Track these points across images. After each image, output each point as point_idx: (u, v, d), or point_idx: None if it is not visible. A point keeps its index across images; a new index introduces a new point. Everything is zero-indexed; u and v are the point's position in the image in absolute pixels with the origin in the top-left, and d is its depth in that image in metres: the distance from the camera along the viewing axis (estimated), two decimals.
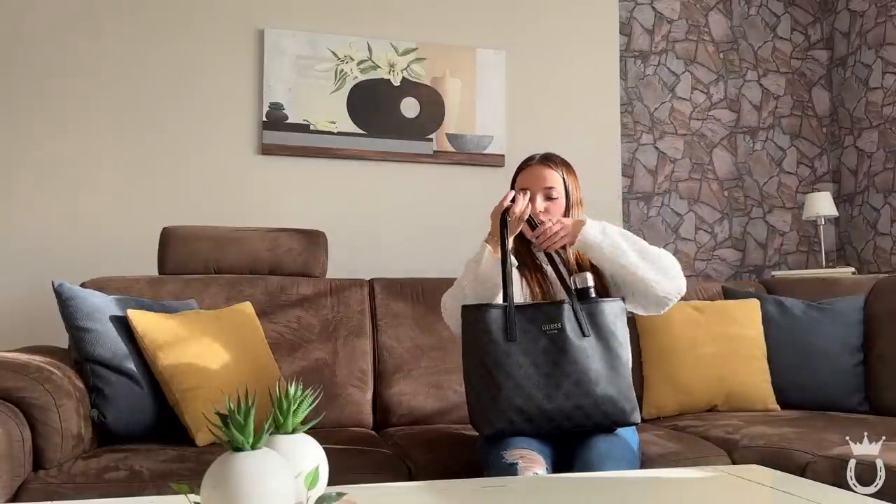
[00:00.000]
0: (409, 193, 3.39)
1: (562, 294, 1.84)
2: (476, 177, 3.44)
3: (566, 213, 1.92)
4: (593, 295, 1.74)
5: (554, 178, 1.92)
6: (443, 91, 3.44)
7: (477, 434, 1.77)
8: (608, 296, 1.83)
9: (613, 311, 1.74)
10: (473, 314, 1.73)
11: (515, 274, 1.88)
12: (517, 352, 1.67)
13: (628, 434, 1.77)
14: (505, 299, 1.71)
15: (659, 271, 1.80)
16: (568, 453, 1.68)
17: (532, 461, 1.59)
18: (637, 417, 1.72)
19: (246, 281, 2.39)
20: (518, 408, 1.65)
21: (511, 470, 1.57)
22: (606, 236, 1.78)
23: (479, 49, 3.49)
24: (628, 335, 1.80)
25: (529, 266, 1.91)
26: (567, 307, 1.71)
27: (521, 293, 1.87)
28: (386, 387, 2.35)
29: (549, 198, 1.90)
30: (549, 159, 1.95)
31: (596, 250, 1.78)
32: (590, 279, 1.75)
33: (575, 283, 1.75)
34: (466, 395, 1.77)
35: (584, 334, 1.69)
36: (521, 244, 1.93)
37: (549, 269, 1.90)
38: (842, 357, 2.43)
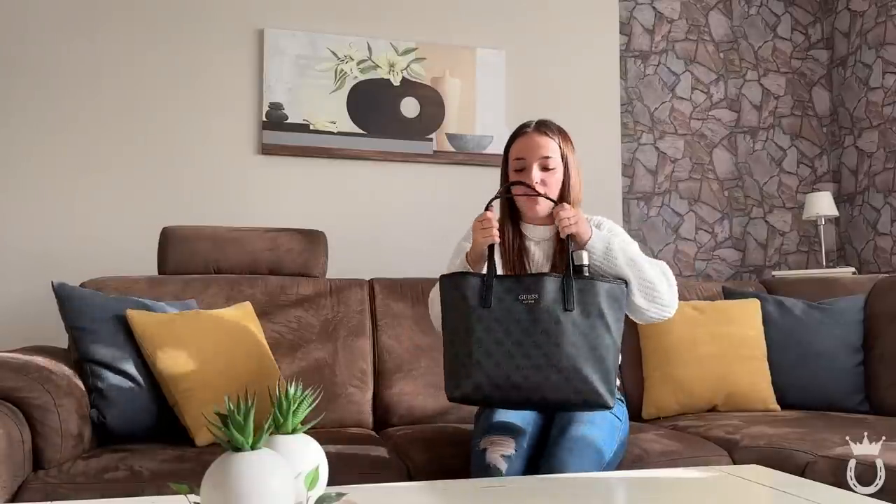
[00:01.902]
0: (409, 193, 3.39)
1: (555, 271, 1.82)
2: (476, 177, 3.44)
3: (565, 188, 1.88)
4: (587, 273, 1.71)
5: (550, 146, 1.87)
6: (443, 91, 3.44)
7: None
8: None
9: (610, 293, 1.69)
10: (454, 281, 1.71)
11: (497, 254, 1.87)
12: (490, 318, 1.65)
13: (611, 420, 1.75)
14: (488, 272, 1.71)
15: (652, 301, 1.79)
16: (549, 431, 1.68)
17: (498, 445, 1.62)
18: (611, 402, 1.65)
19: (246, 281, 2.39)
20: (486, 373, 1.63)
21: (481, 457, 1.62)
22: (608, 258, 1.76)
23: (479, 49, 3.49)
24: (621, 323, 1.74)
25: (511, 244, 1.90)
26: (549, 279, 1.67)
27: (499, 270, 1.85)
28: (386, 387, 2.35)
29: (545, 168, 1.86)
30: (544, 126, 1.90)
31: (595, 265, 1.78)
32: (585, 257, 1.73)
33: (572, 258, 1.73)
34: (443, 360, 1.74)
35: (565, 308, 1.64)
36: (507, 221, 1.92)
37: (531, 247, 1.90)
38: (842, 357, 2.43)
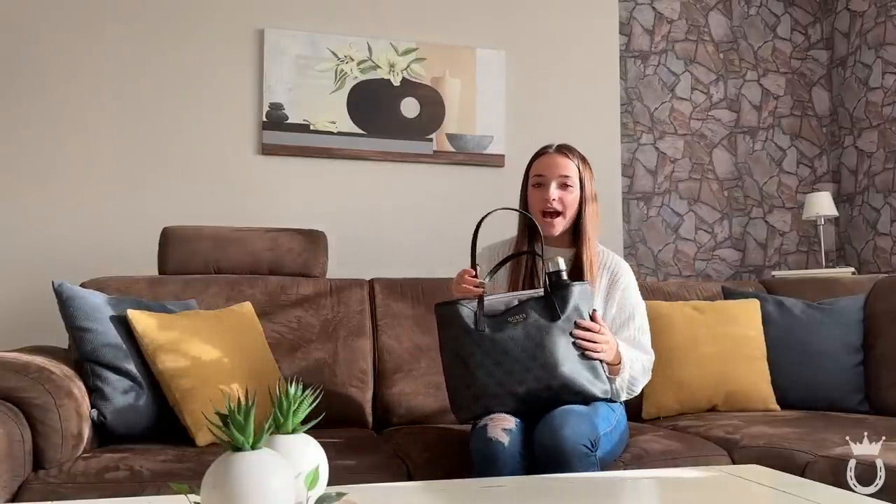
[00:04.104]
0: (409, 193, 3.39)
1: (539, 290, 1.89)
2: (476, 177, 3.44)
3: (580, 207, 1.96)
4: (565, 278, 1.79)
5: (570, 167, 1.96)
6: (443, 91, 3.44)
7: None
8: (580, 278, 1.90)
9: (581, 294, 1.79)
10: (448, 309, 1.79)
11: (507, 270, 1.98)
12: (487, 342, 1.74)
13: (605, 413, 1.82)
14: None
15: (629, 394, 1.96)
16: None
17: (499, 421, 1.67)
18: (603, 395, 1.77)
19: (246, 281, 2.39)
20: (492, 394, 1.72)
21: (482, 432, 1.65)
22: (623, 383, 1.91)
23: (479, 49, 3.49)
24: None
25: (525, 264, 1.98)
26: (530, 301, 1.76)
27: (507, 284, 1.96)
28: (386, 387, 2.35)
29: (564, 186, 1.94)
30: (565, 149, 2.00)
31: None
32: (561, 263, 1.80)
33: (547, 266, 1.81)
34: (446, 384, 1.83)
35: (552, 319, 1.74)
36: (524, 241, 2.00)
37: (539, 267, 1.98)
38: (842, 357, 2.43)
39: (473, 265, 1.85)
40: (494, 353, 1.73)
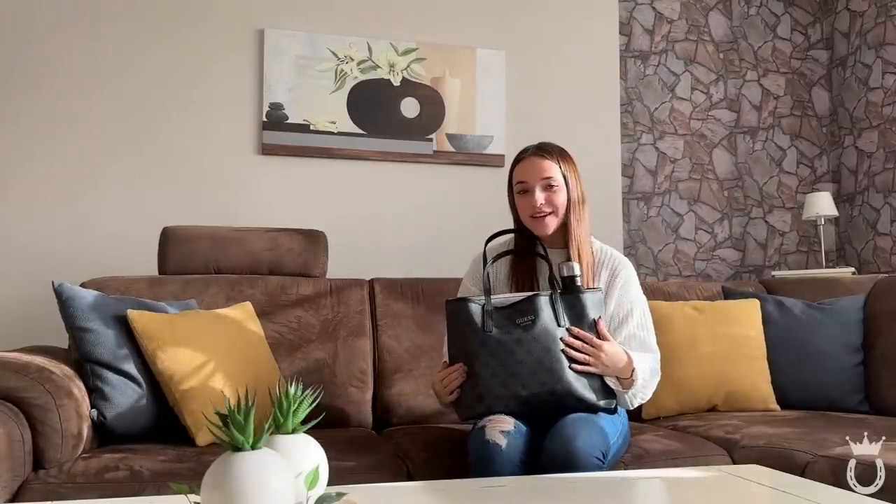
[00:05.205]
0: (409, 193, 3.39)
1: (548, 289, 1.87)
2: (476, 177, 3.44)
3: (568, 207, 1.92)
4: (579, 283, 1.79)
5: (550, 168, 1.90)
6: (443, 91, 3.43)
7: None
8: (591, 285, 1.89)
9: (594, 302, 1.79)
10: (456, 307, 1.80)
11: (507, 269, 1.96)
12: (494, 342, 1.73)
13: (611, 418, 1.80)
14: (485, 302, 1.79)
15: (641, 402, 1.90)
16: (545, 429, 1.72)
17: (497, 422, 1.66)
18: (609, 404, 1.77)
19: (246, 281, 2.39)
20: (496, 395, 1.72)
21: (480, 433, 1.64)
22: (633, 395, 1.85)
23: (479, 49, 3.49)
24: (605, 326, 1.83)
25: (526, 262, 1.95)
26: (542, 299, 1.76)
27: (507, 285, 1.94)
28: (386, 387, 2.35)
29: (548, 187, 1.90)
30: (542, 150, 1.94)
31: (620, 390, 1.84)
32: (576, 268, 1.80)
33: (562, 270, 1.81)
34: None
35: (559, 324, 1.74)
36: (524, 241, 1.97)
37: (546, 271, 1.92)
38: (842, 357, 2.43)
39: (487, 291, 1.83)
40: (500, 353, 1.72)
